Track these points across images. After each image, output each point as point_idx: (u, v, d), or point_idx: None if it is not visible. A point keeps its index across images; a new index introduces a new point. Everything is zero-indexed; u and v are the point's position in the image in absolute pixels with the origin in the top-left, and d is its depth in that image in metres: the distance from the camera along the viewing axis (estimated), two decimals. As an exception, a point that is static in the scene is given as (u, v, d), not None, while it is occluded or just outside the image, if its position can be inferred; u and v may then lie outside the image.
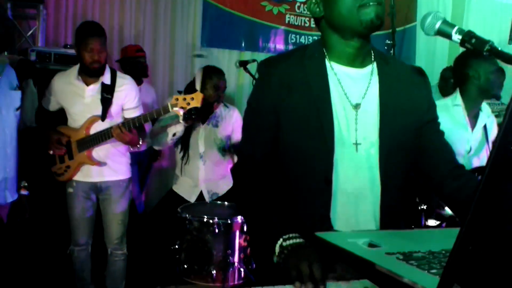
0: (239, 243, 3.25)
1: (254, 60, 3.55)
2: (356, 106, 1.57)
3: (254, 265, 3.33)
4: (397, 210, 1.62)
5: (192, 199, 3.88)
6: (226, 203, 3.65)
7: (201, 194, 3.89)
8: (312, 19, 5.65)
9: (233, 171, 1.73)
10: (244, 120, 1.72)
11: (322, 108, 1.54)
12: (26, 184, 3.23)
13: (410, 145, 1.61)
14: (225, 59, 5.42)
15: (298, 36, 5.70)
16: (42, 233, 3.79)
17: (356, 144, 1.55)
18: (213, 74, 3.81)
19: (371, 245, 0.97)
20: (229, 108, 3.99)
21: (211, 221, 3.18)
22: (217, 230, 3.17)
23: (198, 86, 3.75)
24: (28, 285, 3.67)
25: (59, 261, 3.73)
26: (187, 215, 3.24)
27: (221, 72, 3.85)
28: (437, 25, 1.32)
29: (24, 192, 3.22)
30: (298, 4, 5.69)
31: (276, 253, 1.36)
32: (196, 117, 3.55)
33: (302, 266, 1.22)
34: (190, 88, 3.80)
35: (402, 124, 1.59)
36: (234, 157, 3.93)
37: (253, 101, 1.67)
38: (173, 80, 5.32)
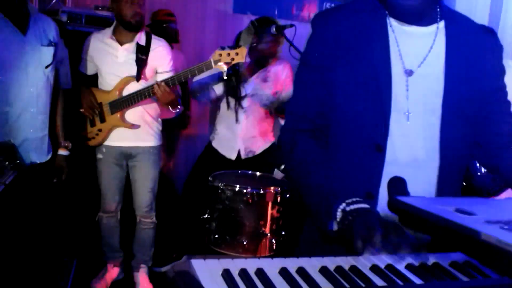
0: (271, 214, 3.16)
1: (292, 25, 3.39)
2: (409, 72, 1.43)
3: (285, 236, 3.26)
4: (454, 182, 1.50)
5: (233, 156, 3.79)
6: (257, 173, 3.54)
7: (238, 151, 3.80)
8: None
9: (283, 132, 1.60)
10: (296, 78, 1.60)
11: (380, 71, 1.42)
12: (66, 144, 3.15)
13: (474, 114, 1.47)
14: (257, 27, 5.25)
15: (332, 4, 5.50)
16: (72, 197, 3.74)
17: (408, 112, 1.42)
18: (261, 19, 3.66)
19: (462, 212, 0.85)
20: (281, 64, 3.80)
21: (244, 190, 3.08)
22: (250, 200, 3.08)
23: (243, 41, 3.63)
24: (56, 249, 3.63)
25: (88, 227, 3.69)
26: (219, 184, 3.15)
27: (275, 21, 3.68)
28: None
29: (63, 152, 3.14)
30: (333, -29, 5.49)
31: (338, 219, 1.24)
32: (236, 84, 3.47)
33: (371, 233, 1.11)
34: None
35: (468, 91, 1.44)
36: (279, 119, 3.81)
37: (306, 57, 1.56)
38: (203, 47, 5.19)
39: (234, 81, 3.62)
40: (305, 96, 1.54)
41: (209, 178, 3.28)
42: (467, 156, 1.54)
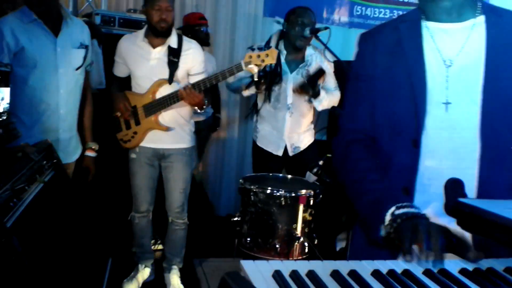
0: (304, 217, 3.14)
1: (326, 28, 3.37)
2: (447, 62, 1.47)
3: (316, 240, 3.24)
4: (499, 173, 1.46)
5: (280, 152, 3.80)
6: (289, 176, 3.53)
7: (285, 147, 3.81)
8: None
9: (336, 143, 1.68)
10: (346, 92, 1.70)
11: (414, 67, 1.48)
12: (93, 146, 3.19)
13: None
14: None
15: (364, 8, 5.44)
16: (105, 198, 3.78)
17: (447, 103, 1.45)
18: (299, 10, 3.63)
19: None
20: (316, 53, 3.77)
21: (277, 193, 3.07)
22: (283, 203, 3.06)
23: (274, 42, 3.65)
24: (86, 248, 3.67)
25: (120, 227, 3.72)
26: (252, 187, 3.14)
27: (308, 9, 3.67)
28: None
29: (90, 153, 3.17)
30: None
31: (386, 222, 1.23)
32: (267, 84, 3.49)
33: (419, 236, 1.10)
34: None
35: (509, 81, 1.44)
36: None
37: (352, 75, 1.65)
38: (233, 50, 5.20)
39: (268, 82, 3.61)
40: (355, 108, 1.62)
41: (240, 180, 3.28)
42: (510, 145, 1.50)
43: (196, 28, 4.48)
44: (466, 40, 1.49)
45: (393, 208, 1.25)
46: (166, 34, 3.23)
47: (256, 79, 3.23)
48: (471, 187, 1.41)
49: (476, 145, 1.43)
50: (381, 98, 1.53)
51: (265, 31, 5.10)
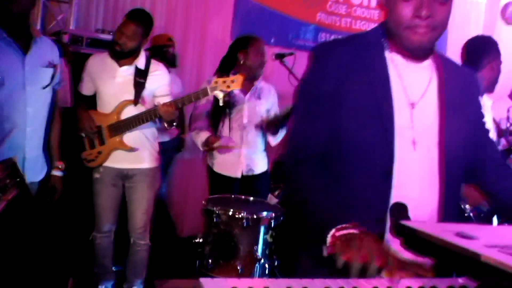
0: (265, 239, 3.18)
1: (291, 53, 3.48)
2: (412, 105, 1.51)
3: (277, 261, 3.28)
4: (455, 207, 1.59)
5: (238, 174, 3.85)
6: (251, 198, 3.57)
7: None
8: (343, 19, 5.59)
9: (282, 160, 1.66)
10: (296, 107, 1.65)
11: (382, 102, 1.49)
12: (60, 165, 3.16)
13: (469, 141, 1.57)
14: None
15: (328, 35, 5.61)
16: (66, 216, 3.75)
17: (414, 142, 1.49)
18: (255, 40, 3.76)
19: (464, 236, 0.90)
20: (268, 84, 3.94)
21: (239, 215, 3.11)
22: (245, 225, 3.10)
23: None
24: (47, 267, 3.62)
25: (81, 247, 3.69)
26: (214, 208, 3.17)
27: (261, 38, 3.80)
28: None
29: (57, 172, 3.15)
30: (330, 2, 5.61)
31: (327, 244, 1.28)
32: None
33: (357, 256, 1.15)
34: (227, 62, 3.77)
35: (461, 121, 1.54)
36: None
37: (307, 86, 1.60)
38: (201, 71, 5.26)
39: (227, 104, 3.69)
40: (306, 127, 1.58)
41: (203, 202, 3.30)
42: (463, 178, 1.62)
43: (164, 49, 4.53)
44: (428, 81, 1.55)
45: (333, 230, 1.28)
46: (119, 55, 3.28)
47: (221, 103, 3.27)
48: (433, 214, 1.50)
49: (436, 179, 1.51)
50: (346, 123, 1.50)
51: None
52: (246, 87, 3.77)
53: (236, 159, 3.85)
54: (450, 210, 1.53)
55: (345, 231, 1.27)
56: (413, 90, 1.52)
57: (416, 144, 1.49)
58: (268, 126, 3.80)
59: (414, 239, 0.95)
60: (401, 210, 1.12)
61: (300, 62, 3.77)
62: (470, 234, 0.90)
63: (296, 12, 5.52)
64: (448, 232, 0.91)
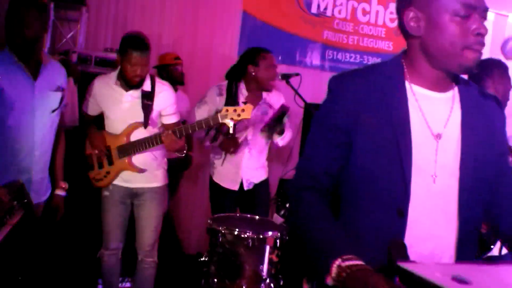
0: (270, 258, 3.20)
1: (297, 74, 3.52)
2: (438, 136, 1.49)
3: (282, 281, 3.29)
4: (473, 244, 1.55)
5: (236, 187, 3.88)
6: (256, 217, 3.59)
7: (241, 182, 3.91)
8: (349, 36, 5.62)
9: (289, 186, 1.63)
10: (309, 136, 1.62)
11: (401, 135, 1.46)
12: (63, 186, 3.20)
13: (490, 177, 1.54)
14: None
15: (335, 52, 5.65)
16: (74, 235, 3.79)
17: (435, 176, 1.47)
18: (265, 53, 3.78)
19: (459, 280, 0.92)
20: (278, 92, 3.94)
21: (245, 235, 3.13)
22: (250, 244, 3.12)
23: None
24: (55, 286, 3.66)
25: (89, 264, 3.71)
26: (220, 227, 3.19)
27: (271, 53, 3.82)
28: None
29: (60, 192, 3.18)
30: (336, 21, 5.66)
31: (333, 274, 1.28)
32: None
33: None
34: (235, 71, 3.83)
35: (483, 154, 1.51)
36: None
37: (323, 116, 1.58)
38: (207, 89, 5.29)
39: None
40: (315, 154, 1.57)
41: (208, 221, 3.33)
42: (482, 217, 1.58)
43: (170, 68, 4.58)
44: (449, 112, 1.51)
45: (339, 260, 1.27)
46: (137, 86, 3.32)
47: (231, 131, 3.28)
48: (450, 252, 1.49)
49: (454, 218, 1.48)
50: (361, 158, 1.49)
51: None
52: (254, 99, 3.81)
53: (234, 174, 3.90)
54: (467, 249, 1.51)
55: (351, 262, 1.26)
56: (435, 121, 1.50)
57: (437, 178, 1.47)
58: (273, 128, 3.81)
59: (410, 280, 0.97)
60: (399, 248, 1.13)
61: (307, 81, 3.83)
62: (465, 279, 0.92)
63: (302, 30, 5.55)
64: (444, 276, 0.93)
